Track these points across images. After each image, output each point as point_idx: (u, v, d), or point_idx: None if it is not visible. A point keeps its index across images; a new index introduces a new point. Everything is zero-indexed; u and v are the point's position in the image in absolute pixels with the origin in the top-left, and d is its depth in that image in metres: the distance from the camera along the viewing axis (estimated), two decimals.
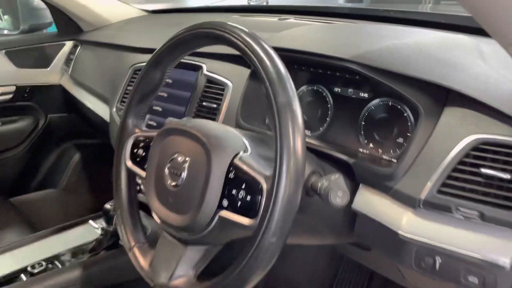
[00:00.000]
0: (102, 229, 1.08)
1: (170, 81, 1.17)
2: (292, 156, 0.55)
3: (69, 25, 1.76)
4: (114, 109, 1.30)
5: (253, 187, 0.59)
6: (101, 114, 1.39)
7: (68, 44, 1.77)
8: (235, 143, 0.65)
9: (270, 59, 0.58)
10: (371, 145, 0.88)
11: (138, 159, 0.78)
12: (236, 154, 0.63)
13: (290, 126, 0.55)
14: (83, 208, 1.86)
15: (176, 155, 0.67)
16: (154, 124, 1.16)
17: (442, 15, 1.05)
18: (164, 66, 0.76)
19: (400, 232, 0.71)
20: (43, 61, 1.76)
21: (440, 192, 0.67)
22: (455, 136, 0.68)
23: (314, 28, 0.99)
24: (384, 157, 0.85)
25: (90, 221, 1.19)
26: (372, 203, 0.77)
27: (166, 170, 0.67)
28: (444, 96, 0.73)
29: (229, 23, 0.65)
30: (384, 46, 0.77)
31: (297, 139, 0.55)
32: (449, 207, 0.66)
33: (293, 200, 0.55)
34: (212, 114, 1.07)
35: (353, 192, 0.82)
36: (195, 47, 0.73)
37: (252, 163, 0.61)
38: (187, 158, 0.65)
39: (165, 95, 1.17)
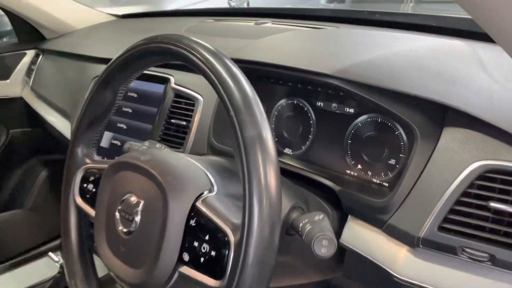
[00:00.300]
0: (61, 266, 0.96)
1: (134, 95, 1.05)
2: (264, 200, 0.44)
3: (30, 33, 1.62)
4: None
5: (218, 239, 0.48)
6: (62, 131, 1.27)
7: (30, 53, 1.63)
8: (198, 181, 0.54)
9: (235, 82, 0.47)
10: (359, 166, 0.78)
11: (88, 196, 0.66)
12: (199, 195, 0.52)
13: (261, 163, 0.45)
14: (53, 229, 1.73)
15: (127, 195, 0.56)
16: (119, 143, 1.05)
17: (433, 17, 0.96)
18: (115, 85, 0.65)
19: (395, 274, 0.61)
20: (3, 72, 1.61)
21: (441, 229, 0.58)
22: (458, 163, 0.58)
23: (293, 36, 0.89)
24: (374, 180, 0.75)
25: (50, 254, 1.06)
26: (363, 238, 0.67)
27: (117, 214, 0.56)
28: (441, 115, 0.63)
29: (188, 36, 0.54)
30: (371, 57, 0.67)
31: (270, 178, 0.45)
32: (453, 248, 0.56)
33: (268, 256, 0.44)
34: (181, 133, 0.95)
35: (341, 223, 0.72)
36: (149, 64, 0.61)
37: (218, 207, 0.50)
38: (141, 200, 0.54)
39: (130, 110, 1.05)
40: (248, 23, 1.23)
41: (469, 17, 0.90)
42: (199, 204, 0.51)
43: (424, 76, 0.64)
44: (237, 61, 0.85)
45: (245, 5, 3.49)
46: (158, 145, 0.78)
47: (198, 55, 0.51)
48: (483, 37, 0.83)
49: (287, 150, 0.89)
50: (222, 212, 0.49)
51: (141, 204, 0.54)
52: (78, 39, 1.42)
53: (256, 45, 0.85)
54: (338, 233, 0.70)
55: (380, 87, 0.63)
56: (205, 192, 0.53)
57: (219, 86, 0.47)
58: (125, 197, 0.56)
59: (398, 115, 0.63)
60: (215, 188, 0.54)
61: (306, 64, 0.69)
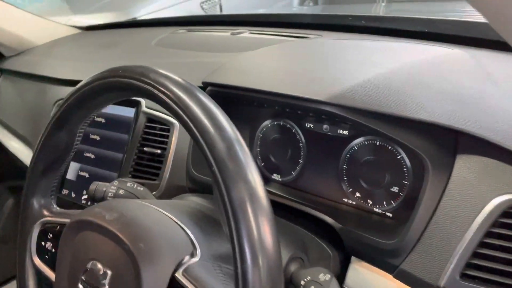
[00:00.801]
0: None
1: (102, 120, 0.95)
2: (261, 264, 0.35)
3: None
4: None
5: None
6: (25, 160, 1.15)
7: None
8: (176, 245, 0.45)
9: (216, 127, 0.38)
10: (357, 194, 0.70)
11: (47, 256, 0.56)
12: (179, 264, 0.43)
13: (253, 223, 0.36)
14: None
15: (92, 263, 0.46)
16: (87, 175, 0.94)
17: (423, 22, 0.88)
18: (72, 126, 0.55)
19: None
20: None
21: (464, 276, 0.50)
22: (477, 197, 0.51)
23: (275, 52, 0.80)
24: (376, 210, 0.67)
25: None
26: (370, 283, 0.59)
27: (80, 286, 0.46)
28: (453, 141, 0.55)
29: (155, 69, 0.44)
30: (368, 78, 0.59)
31: (265, 236, 0.36)
32: None
33: None
34: (156, 162, 0.85)
35: (344, 264, 0.63)
36: (109, 100, 0.52)
37: (203, 279, 0.41)
38: (108, 271, 0.44)
39: (98, 138, 0.94)
40: (224, 33, 1.14)
41: (462, 20, 0.81)
42: (179, 275, 0.42)
43: (428, 97, 0.56)
44: (216, 86, 0.76)
45: (217, 7, 3.38)
46: (129, 183, 0.68)
47: (168, 92, 0.41)
48: (482, 43, 0.76)
49: (275, 176, 0.80)
50: (208, 285, 0.40)
51: (108, 276, 0.44)
52: (39, 57, 1.30)
53: (236, 65, 0.76)
54: (342, 276, 0.62)
55: (383, 113, 0.55)
56: (186, 258, 0.44)
57: (197, 133, 0.38)
58: (89, 265, 0.46)
59: (406, 144, 0.55)
60: (198, 250, 0.45)
61: (296, 89, 0.60)
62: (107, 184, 0.68)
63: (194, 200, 0.63)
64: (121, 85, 0.46)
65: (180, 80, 0.42)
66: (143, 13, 2.59)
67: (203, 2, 3.07)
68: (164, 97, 0.41)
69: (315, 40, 0.88)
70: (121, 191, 0.67)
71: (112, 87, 0.47)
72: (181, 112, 0.40)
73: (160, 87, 0.42)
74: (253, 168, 0.38)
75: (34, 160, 0.57)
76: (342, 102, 0.57)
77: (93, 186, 0.68)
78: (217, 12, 3.13)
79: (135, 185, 0.68)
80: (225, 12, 3.17)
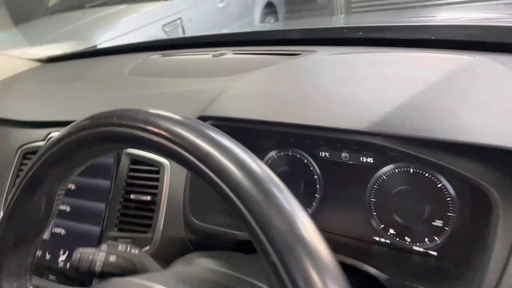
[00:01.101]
0: None
1: None
2: None
3: None
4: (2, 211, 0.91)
5: None
6: None
7: None
8: None
9: (267, 196, 0.27)
10: (391, 231, 0.60)
11: None
12: None
13: None
14: None
15: None
16: (63, 232, 0.80)
17: (426, 29, 0.81)
18: (49, 187, 0.42)
19: None
20: None
21: None
22: None
23: (276, 75, 0.69)
24: (416, 248, 0.58)
25: None
26: None
27: None
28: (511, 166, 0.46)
29: (165, 113, 0.33)
30: (411, 99, 0.49)
31: None
32: None
33: None
34: (147, 211, 0.73)
35: None
36: (98, 154, 0.40)
37: None
38: None
39: (73, 187, 0.81)
40: (204, 56, 1.04)
41: (472, 24, 0.72)
42: None
43: (482, 116, 0.48)
44: (221, 119, 0.65)
45: (180, 29, 3.26)
46: (120, 246, 0.56)
47: (190, 147, 0.30)
48: (496, 47, 0.69)
49: None
50: None
51: None
52: None
53: (237, 94, 0.65)
54: None
55: (438, 140, 0.45)
56: None
57: (238, 203, 0.27)
58: None
59: (473, 178, 0.46)
60: None
61: (327, 119, 0.50)
62: (94, 250, 0.55)
63: (207, 266, 0.51)
64: (117, 136, 0.34)
65: (202, 127, 0.31)
66: (103, 40, 2.46)
67: (165, 25, 2.97)
68: (185, 153, 0.30)
69: (315, 57, 0.79)
70: (111, 258, 0.54)
71: (103, 138, 0.35)
72: (213, 175, 0.28)
73: (177, 140, 0.30)
74: (320, 244, 0.27)
75: (1, 233, 0.44)
76: (389, 131, 0.47)
77: (77, 254, 0.55)
78: (179, 34, 3.03)
79: (128, 248, 0.56)
80: (188, 33, 3.08)
